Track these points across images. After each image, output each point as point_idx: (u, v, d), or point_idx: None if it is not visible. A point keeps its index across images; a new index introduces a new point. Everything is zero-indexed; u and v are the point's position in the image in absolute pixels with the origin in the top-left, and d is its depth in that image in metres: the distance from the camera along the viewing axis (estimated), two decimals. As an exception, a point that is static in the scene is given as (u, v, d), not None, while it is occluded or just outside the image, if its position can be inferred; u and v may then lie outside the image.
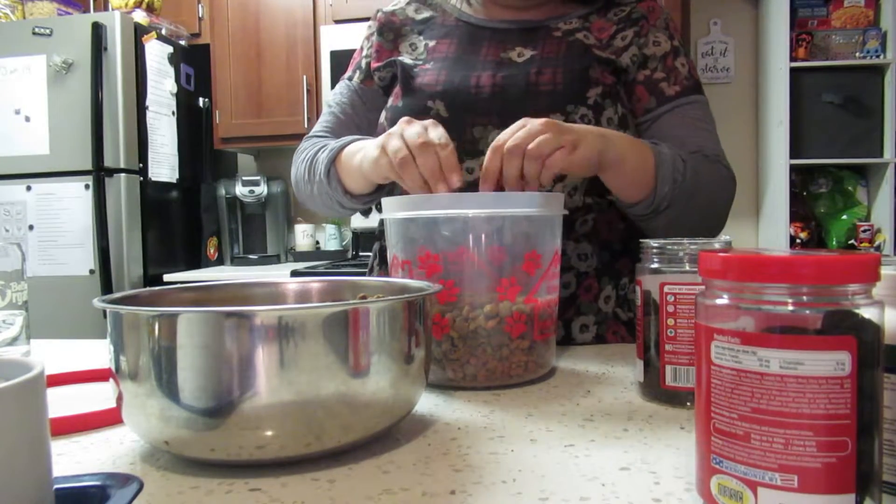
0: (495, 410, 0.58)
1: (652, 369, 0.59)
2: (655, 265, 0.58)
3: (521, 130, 0.70)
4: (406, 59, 0.97)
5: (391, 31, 1.01)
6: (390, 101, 0.97)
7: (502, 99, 0.89)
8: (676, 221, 0.85)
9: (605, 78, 0.90)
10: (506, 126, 0.86)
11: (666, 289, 0.57)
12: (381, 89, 1.01)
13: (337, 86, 1.07)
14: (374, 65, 1.00)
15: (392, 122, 0.93)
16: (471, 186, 0.87)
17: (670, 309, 0.56)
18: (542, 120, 0.70)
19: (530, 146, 0.68)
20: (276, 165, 3.22)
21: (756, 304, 0.35)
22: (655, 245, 0.59)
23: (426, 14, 1.02)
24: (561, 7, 0.98)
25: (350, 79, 1.05)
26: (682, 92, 0.93)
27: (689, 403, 0.57)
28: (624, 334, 0.91)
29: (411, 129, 0.72)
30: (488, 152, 0.71)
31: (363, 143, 0.85)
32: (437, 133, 0.71)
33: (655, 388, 0.59)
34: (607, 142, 0.75)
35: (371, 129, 1.01)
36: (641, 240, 0.61)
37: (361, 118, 1.02)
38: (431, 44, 0.98)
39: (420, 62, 0.96)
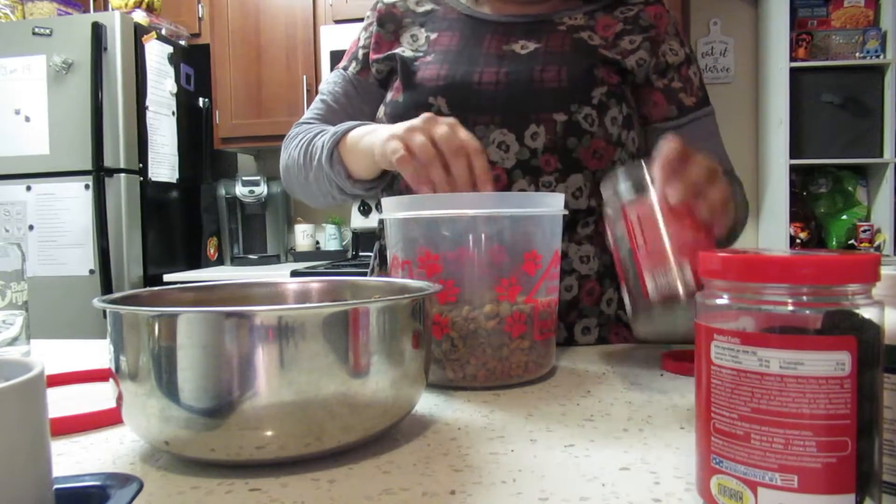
0: (495, 410, 0.58)
1: (636, 291, 0.57)
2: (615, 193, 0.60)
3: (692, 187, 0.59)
4: (406, 51, 0.96)
5: (392, 23, 1.00)
6: (390, 95, 0.96)
7: (506, 96, 0.88)
8: None
9: (610, 77, 0.89)
10: (508, 125, 0.86)
11: (630, 213, 0.57)
12: (378, 82, 1.00)
13: (331, 74, 1.05)
14: (373, 56, 0.99)
15: (392, 117, 0.92)
16: (472, 187, 0.87)
17: (637, 229, 0.57)
18: (713, 176, 0.61)
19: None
20: (276, 165, 3.19)
21: (756, 304, 0.35)
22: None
23: (427, 7, 1.01)
24: (565, 2, 0.98)
25: (345, 68, 1.03)
26: (698, 104, 0.95)
27: (682, 302, 0.54)
28: (626, 335, 0.91)
29: (440, 129, 0.70)
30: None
31: (371, 126, 0.83)
32: (468, 136, 0.70)
33: (648, 313, 0.56)
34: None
35: (367, 120, 1.00)
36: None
37: (355, 109, 1.01)
38: (433, 36, 0.96)
39: (420, 54, 0.94)
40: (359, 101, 1.02)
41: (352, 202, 2.93)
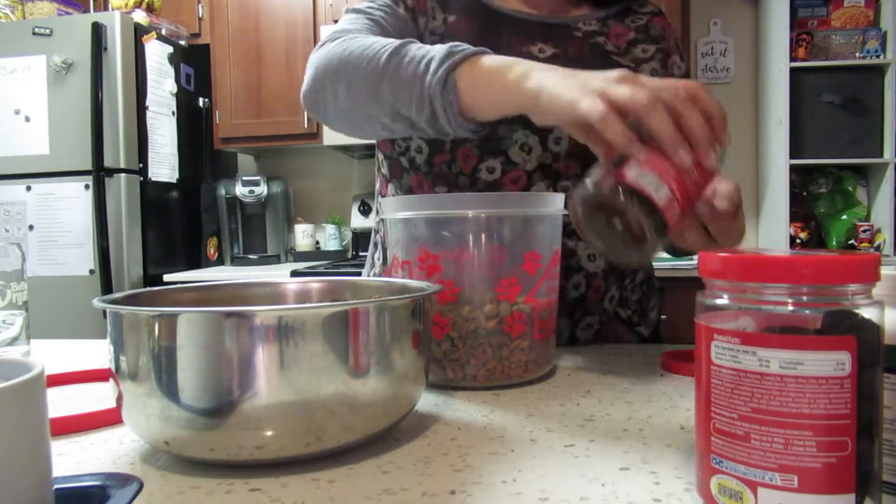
0: (495, 410, 0.58)
1: (637, 227, 0.52)
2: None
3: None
4: (426, 24, 0.90)
5: None
6: None
7: None
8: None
9: None
10: (532, 126, 0.83)
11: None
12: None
13: (363, 3, 0.88)
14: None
15: None
16: (490, 186, 0.86)
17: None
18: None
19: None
20: (276, 165, 3.22)
21: (756, 304, 0.35)
22: None
23: None
24: (577, 8, 0.96)
25: (390, 7, 0.87)
26: None
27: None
28: (623, 333, 0.92)
29: (653, 82, 0.56)
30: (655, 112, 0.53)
31: (515, 59, 0.65)
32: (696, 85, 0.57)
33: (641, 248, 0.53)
34: None
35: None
36: None
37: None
38: (451, 18, 0.90)
39: (437, 37, 0.89)
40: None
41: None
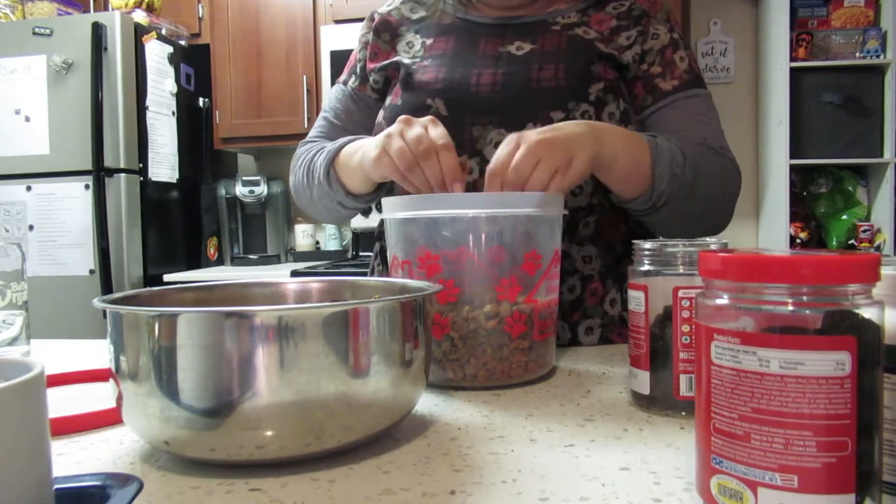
0: (495, 410, 0.58)
1: (664, 380, 0.56)
2: (657, 268, 0.57)
3: (517, 157, 0.69)
4: (404, 58, 0.96)
5: (387, 32, 1.00)
6: (389, 99, 0.96)
7: (503, 97, 0.88)
8: (678, 215, 0.84)
9: (607, 73, 0.89)
10: (506, 125, 0.86)
11: (680, 293, 0.53)
12: (376, 93, 1.01)
13: (332, 89, 1.07)
14: (371, 66, 0.99)
15: (390, 120, 0.92)
16: (470, 187, 0.87)
17: (685, 314, 0.54)
18: (535, 139, 0.69)
19: (529, 182, 0.69)
20: (276, 165, 3.22)
21: (756, 304, 0.35)
22: (649, 247, 0.57)
23: (421, 13, 1.01)
24: (556, 3, 0.97)
25: (345, 83, 1.04)
26: (681, 86, 0.91)
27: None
28: (628, 336, 0.91)
29: (412, 131, 0.71)
30: (487, 178, 0.70)
31: (361, 142, 0.85)
32: (437, 133, 0.71)
33: (668, 400, 0.56)
34: (601, 142, 0.74)
35: (365, 133, 0.99)
36: (634, 241, 0.59)
37: (355, 123, 1.01)
38: (429, 41, 0.97)
39: (418, 59, 0.95)
40: (358, 115, 1.02)
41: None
